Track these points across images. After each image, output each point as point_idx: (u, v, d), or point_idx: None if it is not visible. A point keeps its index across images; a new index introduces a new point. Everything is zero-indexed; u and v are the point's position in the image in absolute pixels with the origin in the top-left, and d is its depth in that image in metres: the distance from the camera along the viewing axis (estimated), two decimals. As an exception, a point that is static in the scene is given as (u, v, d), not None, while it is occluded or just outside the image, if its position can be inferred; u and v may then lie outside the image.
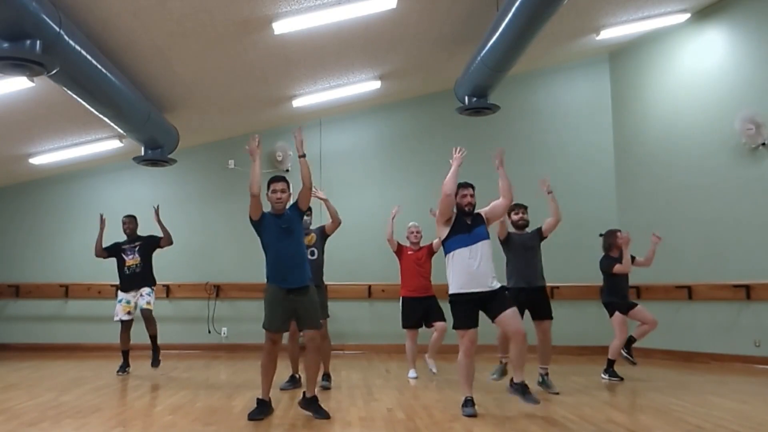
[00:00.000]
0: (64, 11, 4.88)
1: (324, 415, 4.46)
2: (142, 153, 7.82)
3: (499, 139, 9.80)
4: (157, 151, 7.76)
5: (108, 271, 9.42)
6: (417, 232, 6.91)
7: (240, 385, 6.04)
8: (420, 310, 6.73)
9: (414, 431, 4.14)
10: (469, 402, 4.64)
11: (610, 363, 6.56)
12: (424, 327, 6.82)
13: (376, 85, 8.75)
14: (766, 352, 7.45)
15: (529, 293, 5.76)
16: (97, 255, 7.19)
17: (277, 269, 4.67)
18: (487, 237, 4.81)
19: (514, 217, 5.95)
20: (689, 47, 8.65)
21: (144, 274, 7.14)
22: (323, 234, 6.14)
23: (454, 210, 4.85)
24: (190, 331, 9.30)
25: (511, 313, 4.63)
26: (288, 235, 4.68)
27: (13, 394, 5.54)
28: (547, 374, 5.78)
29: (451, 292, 4.76)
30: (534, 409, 4.77)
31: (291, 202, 4.88)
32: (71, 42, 4.93)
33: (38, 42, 4.46)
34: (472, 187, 4.95)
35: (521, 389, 4.62)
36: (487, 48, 6.37)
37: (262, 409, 4.55)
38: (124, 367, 6.96)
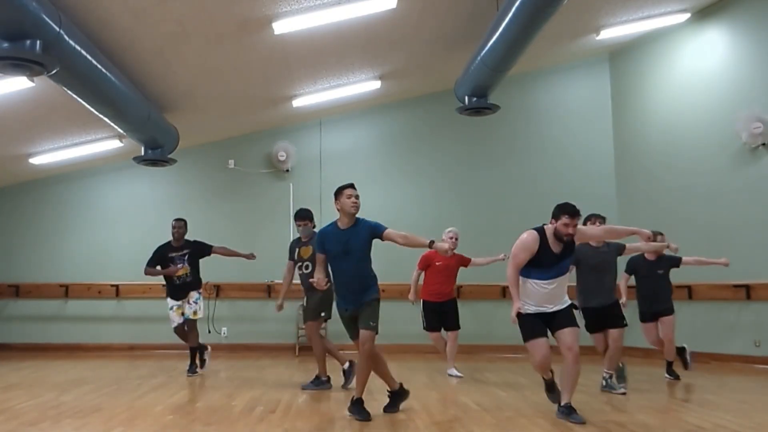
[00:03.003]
0: (64, 11, 4.87)
1: (365, 416, 4.42)
2: (142, 153, 7.82)
3: (499, 139, 9.82)
4: (157, 151, 7.76)
5: (108, 272, 9.47)
6: (456, 239, 6.69)
7: (240, 385, 6.04)
8: (439, 313, 6.80)
9: (414, 431, 4.15)
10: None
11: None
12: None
13: (376, 85, 8.75)
14: (766, 352, 7.46)
15: (600, 311, 5.56)
16: (149, 275, 7.07)
17: (338, 287, 4.71)
18: (568, 271, 4.57)
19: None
20: (689, 47, 8.65)
21: (194, 281, 7.04)
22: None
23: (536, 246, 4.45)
24: (190, 331, 9.29)
25: (569, 330, 4.46)
26: (345, 255, 4.57)
27: (13, 394, 5.54)
28: (611, 377, 5.73)
29: (515, 313, 4.44)
30: (534, 410, 4.79)
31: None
32: (71, 42, 4.92)
33: (38, 42, 4.46)
34: (580, 215, 4.47)
35: (567, 411, 4.49)
36: (487, 48, 6.37)
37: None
38: (194, 369, 6.82)
